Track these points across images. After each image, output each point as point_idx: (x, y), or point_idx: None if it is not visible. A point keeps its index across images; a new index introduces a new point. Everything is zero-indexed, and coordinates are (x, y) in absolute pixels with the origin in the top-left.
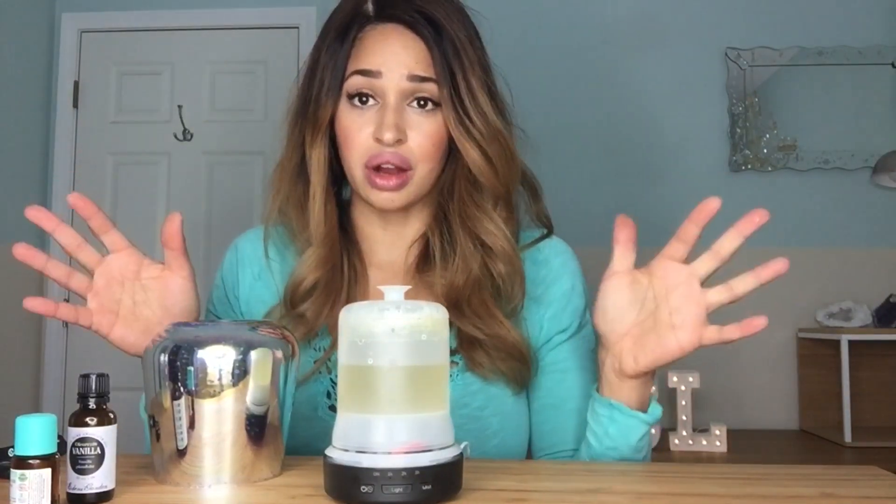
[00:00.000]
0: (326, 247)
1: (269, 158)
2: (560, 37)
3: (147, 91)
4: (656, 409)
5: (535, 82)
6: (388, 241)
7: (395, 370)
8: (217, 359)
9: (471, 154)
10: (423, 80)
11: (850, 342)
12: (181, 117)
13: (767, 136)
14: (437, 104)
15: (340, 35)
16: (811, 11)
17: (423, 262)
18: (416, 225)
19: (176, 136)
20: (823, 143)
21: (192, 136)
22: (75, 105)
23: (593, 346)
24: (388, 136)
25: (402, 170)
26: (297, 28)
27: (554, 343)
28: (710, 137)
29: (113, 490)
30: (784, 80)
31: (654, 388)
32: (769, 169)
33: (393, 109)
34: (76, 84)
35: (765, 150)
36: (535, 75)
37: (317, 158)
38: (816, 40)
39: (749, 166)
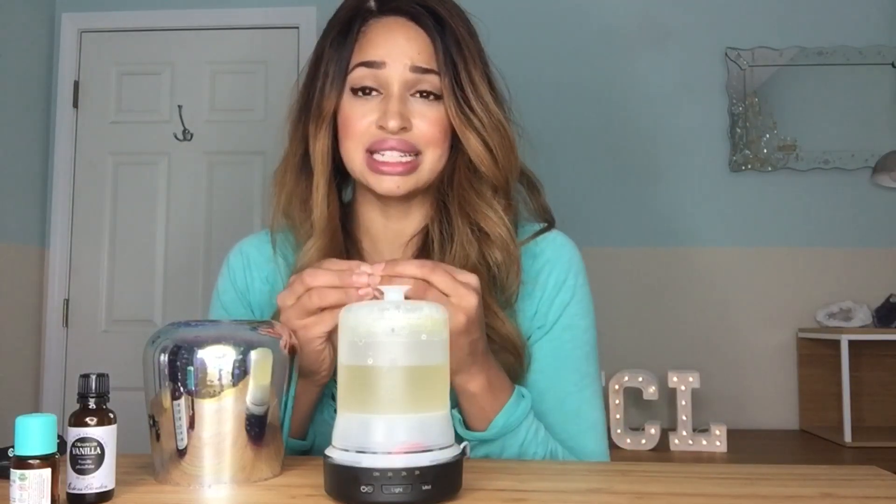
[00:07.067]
0: (327, 237)
1: (269, 158)
2: (560, 37)
3: (147, 91)
4: (494, 426)
5: (535, 83)
6: (391, 237)
7: (395, 370)
8: (217, 359)
9: (472, 143)
10: (426, 71)
11: (850, 342)
12: (181, 117)
13: (767, 136)
14: (439, 96)
15: (344, 29)
16: (811, 11)
17: (423, 255)
18: (417, 219)
19: (176, 136)
20: (823, 143)
21: (192, 136)
22: (75, 105)
23: (577, 345)
24: (393, 123)
25: (410, 155)
26: (297, 28)
27: (534, 338)
28: (710, 137)
29: (113, 490)
30: (784, 80)
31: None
32: (769, 169)
33: (397, 98)
34: (76, 84)
35: (765, 150)
36: (535, 75)
37: (320, 150)
38: (816, 40)
39: (749, 166)
